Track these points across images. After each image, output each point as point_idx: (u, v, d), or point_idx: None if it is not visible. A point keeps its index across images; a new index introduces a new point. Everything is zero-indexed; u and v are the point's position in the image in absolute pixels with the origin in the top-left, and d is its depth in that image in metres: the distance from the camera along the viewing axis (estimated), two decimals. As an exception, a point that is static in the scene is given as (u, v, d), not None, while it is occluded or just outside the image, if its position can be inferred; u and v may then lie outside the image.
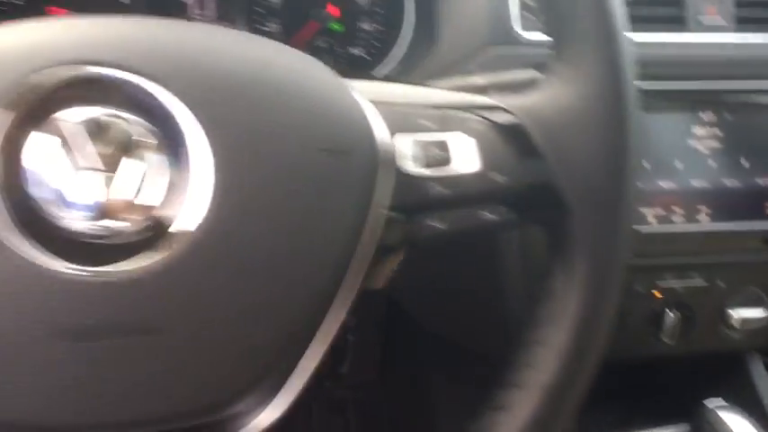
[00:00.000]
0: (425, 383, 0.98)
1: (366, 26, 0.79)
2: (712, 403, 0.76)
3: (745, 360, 0.78)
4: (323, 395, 0.99)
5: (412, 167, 0.38)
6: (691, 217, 0.69)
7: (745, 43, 0.70)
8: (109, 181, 0.32)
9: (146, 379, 0.32)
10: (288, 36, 0.77)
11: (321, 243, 0.34)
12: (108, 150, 0.32)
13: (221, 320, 0.33)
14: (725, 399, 0.76)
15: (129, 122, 0.33)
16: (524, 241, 0.68)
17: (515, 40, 0.66)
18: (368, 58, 0.79)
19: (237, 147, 0.33)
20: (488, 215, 0.40)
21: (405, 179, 0.37)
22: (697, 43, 0.68)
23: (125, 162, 0.32)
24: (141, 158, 0.32)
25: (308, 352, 0.35)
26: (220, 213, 0.32)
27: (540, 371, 0.41)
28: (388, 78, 0.75)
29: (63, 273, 0.31)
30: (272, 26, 0.78)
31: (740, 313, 0.72)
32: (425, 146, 0.38)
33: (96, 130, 0.32)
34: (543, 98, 0.41)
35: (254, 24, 0.77)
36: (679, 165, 0.68)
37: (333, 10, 0.78)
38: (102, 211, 0.32)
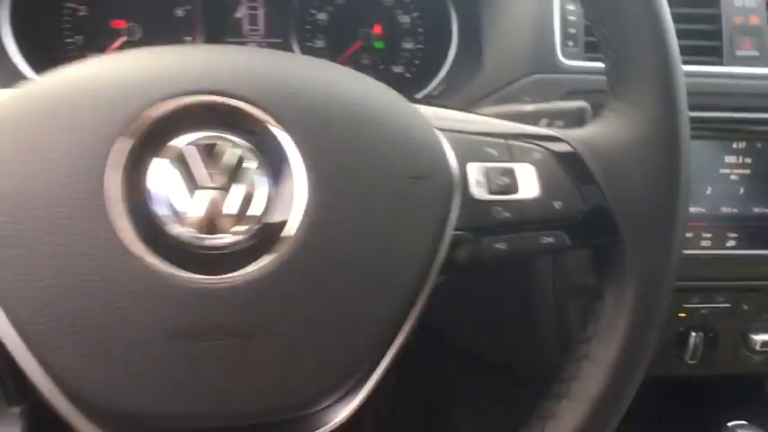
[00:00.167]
0: (445, 392, 1.00)
1: (408, 45, 0.82)
2: (735, 424, 0.78)
3: (767, 383, 0.80)
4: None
5: (478, 192, 0.41)
6: (719, 242, 0.72)
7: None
8: (222, 197, 0.36)
9: (246, 376, 0.35)
10: (334, 52, 0.81)
11: (405, 256, 0.38)
12: (219, 170, 0.36)
13: (316, 324, 0.36)
14: (747, 420, 0.78)
15: (236, 144, 0.36)
16: (557, 261, 0.71)
17: (558, 69, 0.69)
18: (408, 75, 0.82)
19: (332, 169, 0.37)
20: (545, 239, 0.42)
21: (472, 203, 0.40)
22: (732, 74, 0.71)
23: (234, 180, 0.36)
24: (247, 177, 0.36)
25: (388, 353, 0.39)
26: (315, 227, 0.36)
27: (587, 384, 0.44)
28: (429, 98, 0.78)
29: (186, 280, 0.34)
30: (319, 42, 0.81)
31: (762, 337, 0.75)
32: (493, 173, 0.41)
33: (208, 153, 0.36)
34: (601, 131, 0.44)
35: (303, 41, 0.81)
36: (710, 191, 0.71)
37: (376, 28, 0.81)
38: (218, 225, 0.35)
